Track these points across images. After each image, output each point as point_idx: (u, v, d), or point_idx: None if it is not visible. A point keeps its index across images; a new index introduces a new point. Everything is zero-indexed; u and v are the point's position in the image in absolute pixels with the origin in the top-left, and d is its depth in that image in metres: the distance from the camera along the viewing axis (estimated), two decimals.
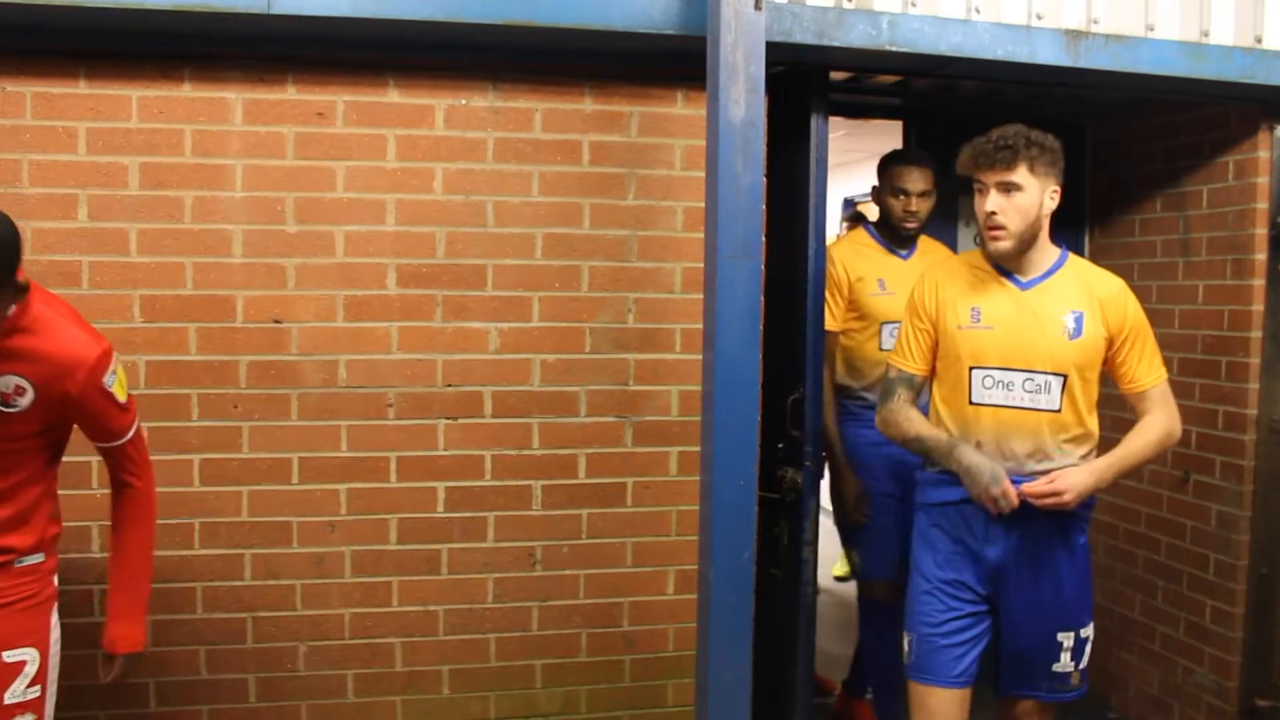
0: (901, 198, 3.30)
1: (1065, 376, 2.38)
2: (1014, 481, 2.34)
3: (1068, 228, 3.87)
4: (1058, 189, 2.42)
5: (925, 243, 3.46)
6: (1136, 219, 3.66)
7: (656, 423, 2.88)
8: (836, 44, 2.63)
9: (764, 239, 2.55)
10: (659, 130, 2.83)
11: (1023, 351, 2.40)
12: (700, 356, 2.62)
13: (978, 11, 2.77)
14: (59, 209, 2.58)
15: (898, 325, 2.71)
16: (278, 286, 2.68)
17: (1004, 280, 2.48)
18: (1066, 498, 2.32)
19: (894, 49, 2.66)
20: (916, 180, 3.29)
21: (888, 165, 3.36)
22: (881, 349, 3.22)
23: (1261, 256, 3.15)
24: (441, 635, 2.81)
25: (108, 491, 2.62)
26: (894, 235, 3.38)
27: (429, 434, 2.77)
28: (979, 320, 2.42)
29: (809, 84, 2.90)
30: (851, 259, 3.36)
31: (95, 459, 2.61)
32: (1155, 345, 2.46)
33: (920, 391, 2.56)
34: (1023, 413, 2.39)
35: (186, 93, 2.62)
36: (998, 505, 2.34)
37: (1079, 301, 2.41)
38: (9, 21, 2.41)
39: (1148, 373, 2.45)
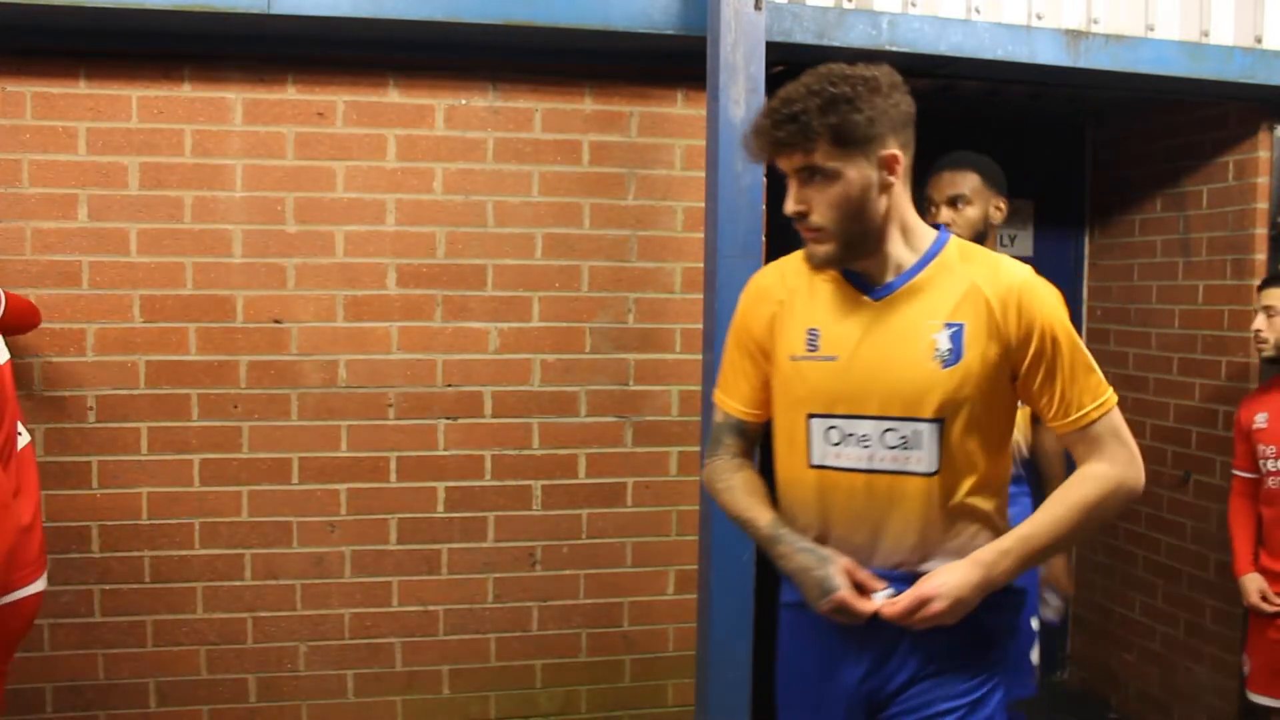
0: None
1: (941, 421, 1.57)
2: (898, 587, 1.56)
3: (1068, 228, 3.88)
4: (898, 154, 1.56)
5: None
6: (1136, 219, 3.66)
7: (656, 423, 2.88)
8: (836, 44, 2.63)
9: (764, 239, 2.55)
10: (659, 130, 2.83)
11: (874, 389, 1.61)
12: (700, 356, 2.63)
13: (978, 11, 2.77)
14: (59, 209, 2.58)
15: None
16: (278, 286, 2.68)
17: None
18: (938, 606, 1.50)
19: (894, 49, 2.66)
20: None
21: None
22: None
23: (1261, 256, 3.15)
24: (441, 635, 2.81)
25: (108, 491, 2.63)
26: None
27: (429, 434, 2.77)
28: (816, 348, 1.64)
29: None
30: None
31: (95, 459, 2.62)
32: (1089, 360, 1.60)
33: (756, 441, 1.83)
34: (893, 479, 1.59)
35: (186, 93, 2.62)
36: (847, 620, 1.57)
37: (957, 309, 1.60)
38: (9, 21, 2.41)
39: (1077, 403, 1.58)
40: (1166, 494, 3.48)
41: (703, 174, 2.69)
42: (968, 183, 2.41)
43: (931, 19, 2.71)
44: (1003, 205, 2.44)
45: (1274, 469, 2.80)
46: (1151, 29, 2.88)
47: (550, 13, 2.52)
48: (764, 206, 2.54)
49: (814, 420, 1.63)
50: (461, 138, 2.74)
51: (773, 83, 2.62)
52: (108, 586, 2.63)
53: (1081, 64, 2.79)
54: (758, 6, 2.34)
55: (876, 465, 1.60)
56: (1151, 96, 3.27)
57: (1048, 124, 3.83)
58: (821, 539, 1.64)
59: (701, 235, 2.70)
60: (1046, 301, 1.58)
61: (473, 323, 2.78)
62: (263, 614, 2.73)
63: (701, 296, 2.62)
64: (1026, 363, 1.57)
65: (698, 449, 2.67)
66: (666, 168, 2.84)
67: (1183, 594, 3.41)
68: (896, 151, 1.54)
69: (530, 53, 2.72)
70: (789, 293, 1.69)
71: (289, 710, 2.75)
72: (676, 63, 2.72)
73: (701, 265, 2.66)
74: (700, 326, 2.66)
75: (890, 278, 1.61)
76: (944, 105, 3.67)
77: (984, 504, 1.61)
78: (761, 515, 1.67)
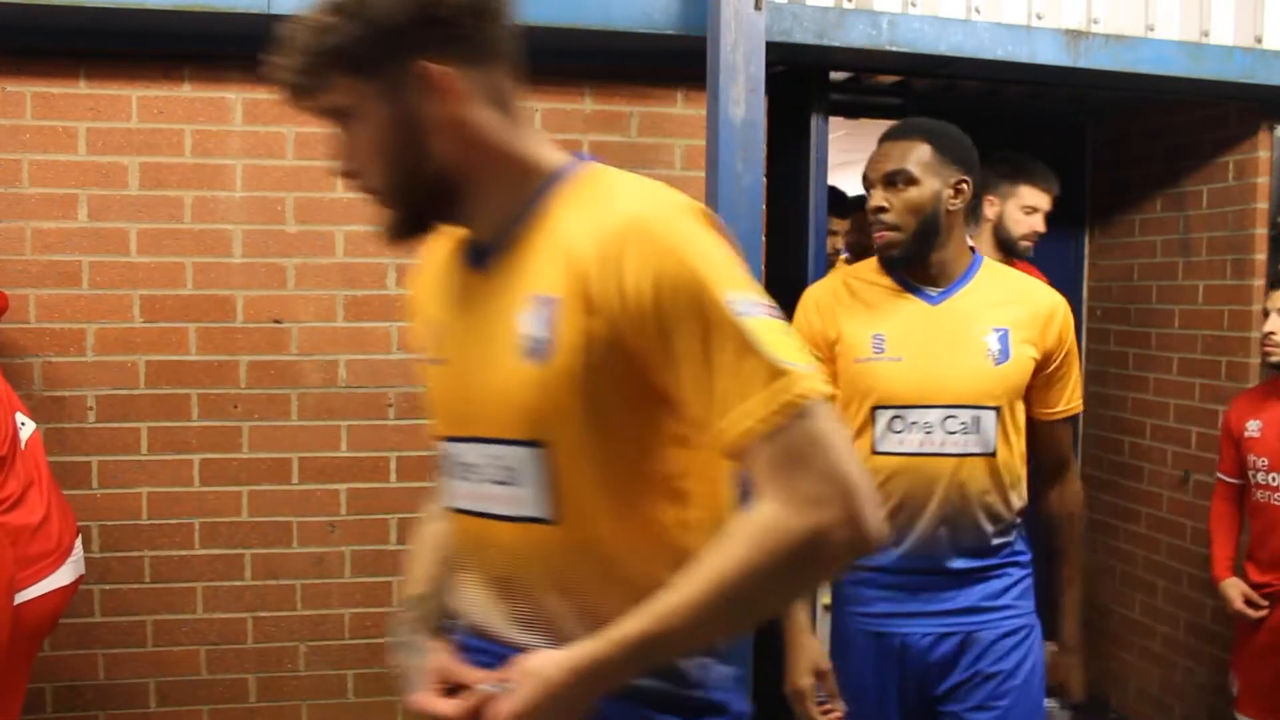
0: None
1: None
2: None
3: (1068, 228, 3.88)
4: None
5: None
6: (1136, 219, 3.66)
7: None
8: (836, 44, 2.63)
9: (764, 239, 2.55)
10: (659, 130, 2.83)
11: None
12: None
13: (978, 11, 2.77)
14: (59, 209, 2.58)
15: None
16: (278, 286, 2.68)
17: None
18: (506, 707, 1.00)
19: (894, 49, 2.66)
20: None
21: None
22: None
23: (1261, 256, 3.15)
24: None
25: (109, 491, 2.63)
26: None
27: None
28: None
29: (809, 84, 2.89)
30: None
31: (95, 459, 2.61)
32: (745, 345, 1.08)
33: None
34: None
35: (186, 93, 2.62)
36: None
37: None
38: (9, 21, 2.41)
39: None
40: (1166, 494, 3.48)
41: (703, 174, 2.69)
42: (914, 155, 1.86)
43: (931, 19, 2.70)
44: (966, 185, 1.87)
45: (1264, 481, 2.71)
46: (1151, 29, 2.88)
47: (550, 13, 2.51)
48: (764, 206, 2.54)
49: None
50: None
51: (773, 83, 2.63)
52: (108, 586, 2.64)
53: (1081, 64, 2.79)
54: (758, 6, 2.34)
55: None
56: (1151, 96, 3.27)
57: (1048, 124, 3.83)
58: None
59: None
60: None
61: None
62: (263, 614, 2.73)
63: None
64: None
65: None
66: (666, 168, 2.84)
67: (1183, 594, 3.41)
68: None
69: (530, 53, 2.71)
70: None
71: (289, 710, 2.75)
72: (676, 63, 2.71)
73: None
74: None
75: None
76: (944, 105, 3.68)
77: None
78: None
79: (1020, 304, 1.88)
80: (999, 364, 1.85)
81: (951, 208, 1.86)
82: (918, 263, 1.89)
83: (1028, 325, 1.87)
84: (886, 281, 1.93)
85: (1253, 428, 2.75)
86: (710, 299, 0.96)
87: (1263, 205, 3.15)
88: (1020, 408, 1.89)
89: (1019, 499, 1.91)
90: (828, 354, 1.95)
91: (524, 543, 1.09)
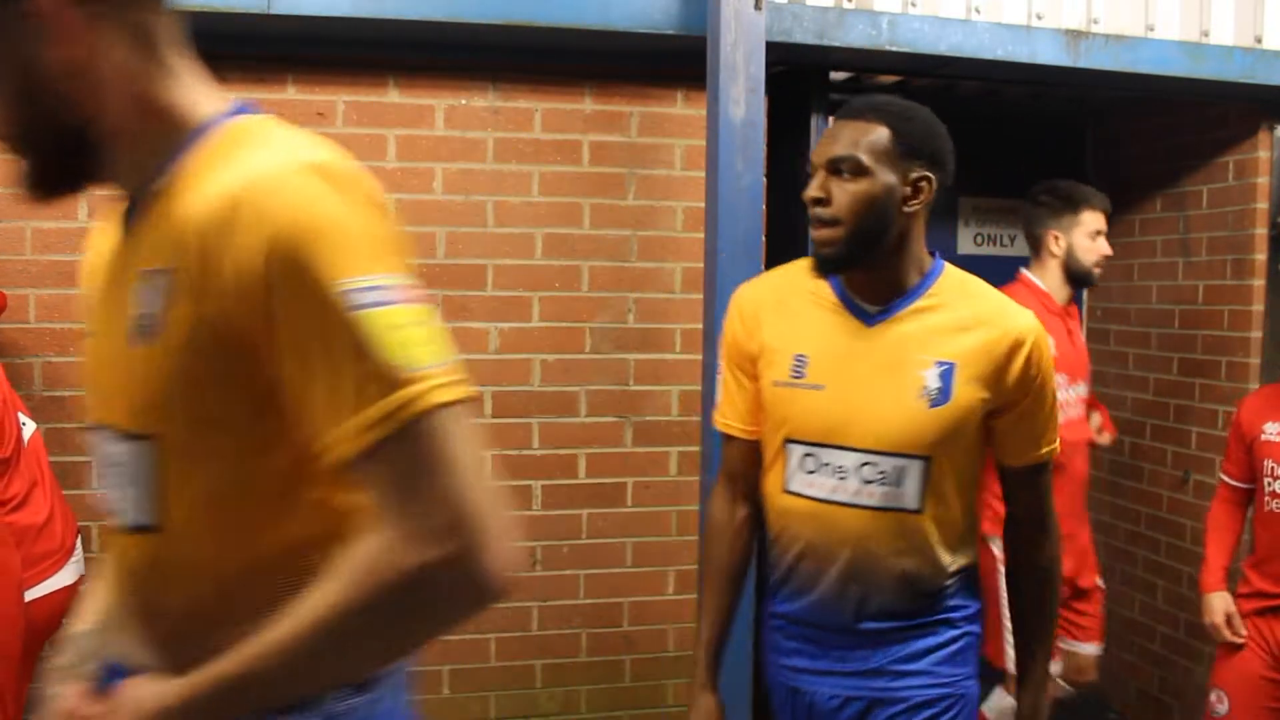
0: None
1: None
2: None
3: None
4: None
5: None
6: (1136, 219, 3.66)
7: (656, 423, 2.88)
8: (836, 44, 2.63)
9: (764, 239, 2.55)
10: (659, 130, 2.83)
11: None
12: (700, 356, 2.62)
13: (978, 11, 2.77)
14: (60, 209, 2.57)
15: None
16: None
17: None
18: None
19: (894, 49, 2.66)
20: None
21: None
22: None
23: (1261, 256, 3.15)
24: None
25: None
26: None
27: None
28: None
29: (809, 84, 2.89)
30: None
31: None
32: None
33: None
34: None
35: None
36: None
37: None
38: None
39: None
40: (1166, 494, 3.48)
41: (703, 174, 2.69)
42: (867, 140, 1.52)
43: (931, 19, 2.70)
44: (928, 183, 1.55)
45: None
46: (1151, 29, 2.88)
47: (550, 13, 2.52)
48: (764, 206, 2.54)
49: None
50: (461, 138, 2.74)
51: (773, 83, 2.63)
52: None
53: (1081, 64, 2.79)
54: (758, 6, 2.34)
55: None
56: (1151, 96, 3.27)
57: (1048, 124, 3.83)
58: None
59: (701, 235, 2.70)
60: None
61: (473, 323, 2.78)
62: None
63: (701, 296, 2.62)
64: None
65: (698, 449, 2.67)
66: (666, 168, 2.84)
67: (1183, 594, 3.41)
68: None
69: (530, 53, 2.72)
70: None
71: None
72: (676, 63, 2.71)
73: (701, 265, 2.66)
74: (700, 326, 2.66)
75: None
76: (944, 105, 3.68)
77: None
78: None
79: (977, 331, 1.54)
80: (935, 406, 1.53)
81: (908, 208, 1.53)
82: (858, 272, 1.57)
83: (981, 359, 1.53)
84: (823, 291, 1.62)
85: (1271, 430, 2.54)
86: (325, 284, 0.81)
87: (1263, 205, 3.15)
88: (969, 458, 1.59)
89: (959, 559, 1.63)
90: (750, 370, 1.67)
91: (136, 554, 0.98)
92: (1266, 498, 2.52)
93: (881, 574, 1.58)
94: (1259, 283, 3.15)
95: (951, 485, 1.58)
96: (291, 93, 2.66)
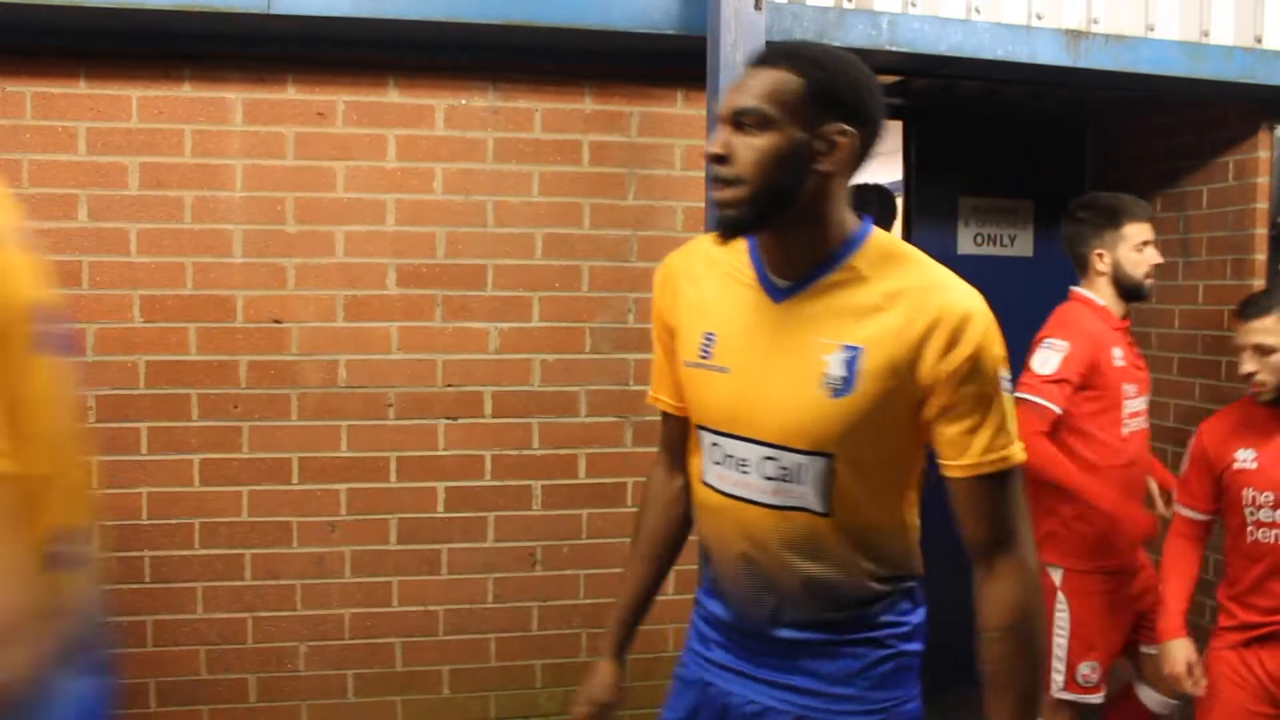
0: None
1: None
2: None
3: None
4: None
5: None
6: None
7: (656, 423, 2.87)
8: (836, 44, 2.62)
9: None
10: (659, 130, 2.83)
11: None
12: None
13: (978, 11, 2.77)
14: (59, 209, 2.58)
15: None
16: (278, 286, 2.68)
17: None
18: None
19: (894, 49, 2.66)
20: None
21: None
22: None
23: (1261, 256, 3.15)
24: (441, 635, 2.81)
25: (109, 491, 2.63)
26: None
27: (429, 434, 2.77)
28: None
29: None
30: None
31: (96, 458, 2.61)
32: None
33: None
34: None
35: (186, 93, 2.62)
36: None
37: None
38: (9, 21, 2.41)
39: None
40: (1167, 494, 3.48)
41: (703, 174, 2.69)
42: (774, 89, 1.31)
43: (931, 19, 2.70)
44: (846, 138, 1.33)
45: (1268, 519, 2.34)
46: (1151, 29, 2.88)
47: (550, 13, 2.52)
48: None
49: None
50: (461, 138, 2.74)
51: None
52: (108, 586, 2.63)
53: (1081, 64, 2.79)
54: (758, 6, 2.34)
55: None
56: (1151, 96, 3.27)
57: (1048, 124, 3.83)
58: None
59: (701, 235, 2.70)
60: None
61: (473, 323, 2.78)
62: (263, 614, 2.73)
63: None
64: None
65: None
66: (666, 168, 2.84)
67: None
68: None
69: (530, 53, 2.72)
70: None
71: (289, 710, 2.75)
72: (676, 63, 2.71)
73: None
74: None
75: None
76: (944, 105, 3.68)
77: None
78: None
79: (893, 311, 1.31)
80: (837, 396, 1.32)
81: (820, 166, 1.32)
82: (768, 240, 1.38)
83: (892, 344, 1.30)
84: (742, 263, 1.44)
85: (1244, 458, 2.37)
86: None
87: (1263, 205, 3.15)
88: (894, 459, 1.39)
89: (890, 570, 1.44)
90: (670, 345, 1.53)
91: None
92: (1250, 528, 2.36)
93: (791, 580, 1.42)
94: (1259, 283, 3.14)
95: (865, 489, 1.37)
96: (291, 93, 2.66)
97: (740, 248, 1.43)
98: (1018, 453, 1.35)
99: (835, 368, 1.33)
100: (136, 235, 2.61)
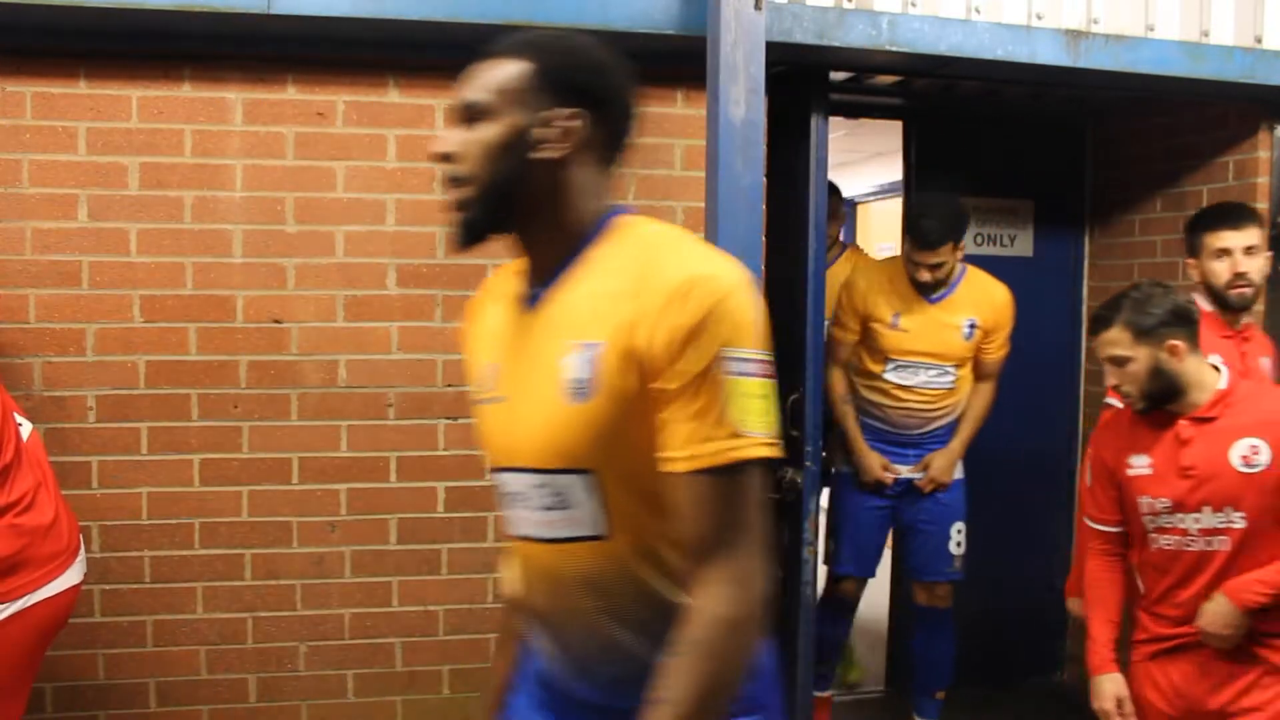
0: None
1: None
2: None
3: (1068, 228, 3.88)
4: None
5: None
6: (1136, 219, 3.66)
7: None
8: (836, 44, 2.63)
9: (764, 239, 2.55)
10: (659, 130, 2.83)
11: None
12: None
13: (978, 11, 2.77)
14: (59, 209, 2.58)
15: None
16: (278, 286, 2.68)
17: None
18: None
19: (894, 49, 2.66)
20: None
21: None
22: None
23: None
24: (441, 635, 2.81)
25: (109, 491, 2.63)
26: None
27: (429, 434, 2.77)
28: None
29: (809, 84, 2.90)
30: None
31: (95, 459, 2.61)
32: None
33: None
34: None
35: (186, 93, 2.62)
36: None
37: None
38: (9, 21, 2.41)
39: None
40: None
41: (703, 174, 2.69)
42: (495, 77, 1.25)
43: (931, 19, 2.71)
44: (581, 121, 1.22)
45: (1168, 525, 2.21)
46: (1151, 29, 2.88)
47: (550, 13, 2.52)
48: (764, 206, 2.54)
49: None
50: None
51: (773, 83, 2.63)
52: (108, 586, 2.64)
53: (1081, 64, 2.79)
54: (758, 6, 2.34)
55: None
56: (1151, 96, 3.27)
57: (1048, 124, 3.83)
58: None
59: (701, 235, 2.70)
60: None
61: None
62: (263, 614, 2.73)
63: None
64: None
65: None
66: (666, 168, 2.84)
67: None
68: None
69: None
70: None
71: (289, 710, 2.75)
72: (676, 63, 2.71)
73: None
74: None
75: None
76: (944, 105, 3.68)
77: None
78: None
79: (636, 298, 1.14)
80: (578, 401, 1.16)
81: (550, 155, 1.20)
82: (516, 243, 1.26)
83: (630, 329, 1.14)
84: (515, 281, 1.32)
85: (1139, 464, 2.26)
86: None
87: (1263, 205, 3.14)
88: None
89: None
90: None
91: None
92: (1153, 535, 2.25)
93: (598, 630, 1.24)
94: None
95: (645, 505, 1.19)
96: (291, 93, 2.66)
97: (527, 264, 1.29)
98: (745, 448, 1.12)
99: (575, 370, 1.17)
100: (136, 235, 2.61)
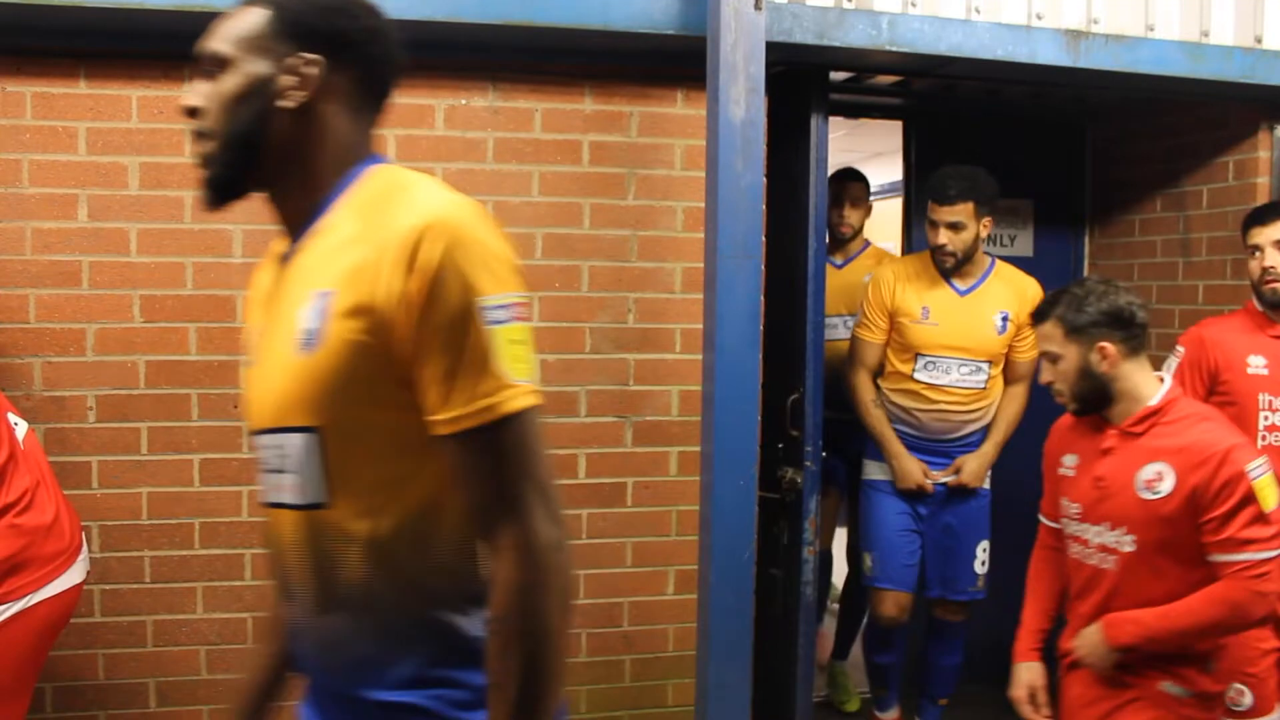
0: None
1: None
2: None
3: (1068, 228, 3.89)
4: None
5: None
6: (1136, 219, 3.66)
7: (656, 423, 2.88)
8: (836, 44, 2.63)
9: (764, 239, 2.55)
10: (659, 130, 2.83)
11: None
12: (700, 356, 2.63)
13: (978, 11, 2.77)
14: (59, 209, 2.58)
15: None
16: None
17: None
18: None
19: (894, 49, 2.66)
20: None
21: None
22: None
23: None
24: None
25: (109, 491, 2.63)
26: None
27: None
28: None
29: (809, 84, 2.90)
30: None
31: (95, 459, 2.61)
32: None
33: None
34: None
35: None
36: None
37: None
38: (9, 21, 2.41)
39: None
40: None
41: (703, 174, 2.69)
42: (235, 27, 1.18)
43: (931, 19, 2.71)
44: (319, 65, 1.16)
45: (1075, 533, 2.14)
46: (1151, 29, 2.88)
47: (550, 13, 2.52)
48: (764, 206, 2.54)
49: None
50: (461, 138, 2.74)
51: (773, 83, 2.63)
52: (108, 586, 2.64)
53: (1081, 64, 2.79)
54: (758, 6, 2.34)
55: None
56: (1151, 96, 3.27)
57: (1048, 124, 3.83)
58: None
59: (701, 235, 2.70)
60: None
61: None
62: (262, 614, 2.72)
63: (701, 296, 2.62)
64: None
65: (698, 449, 2.67)
66: (666, 168, 2.84)
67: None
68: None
69: (530, 53, 2.72)
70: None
71: (289, 710, 2.75)
72: (676, 63, 2.71)
73: (701, 265, 2.66)
74: (700, 326, 2.66)
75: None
76: (944, 105, 3.68)
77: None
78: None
79: (364, 244, 1.09)
80: (306, 351, 1.10)
81: (289, 104, 1.15)
82: (268, 200, 1.21)
83: (359, 280, 1.07)
84: None
85: (1068, 464, 2.19)
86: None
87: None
88: (408, 425, 1.10)
89: (436, 595, 1.13)
90: None
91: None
92: (1067, 539, 2.19)
93: (324, 608, 1.16)
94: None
95: (383, 473, 1.11)
96: None
97: None
98: (513, 400, 1.07)
99: (306, 319, 1.10)
100: (136, 235, 2.61)
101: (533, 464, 1.10)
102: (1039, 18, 2.81)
